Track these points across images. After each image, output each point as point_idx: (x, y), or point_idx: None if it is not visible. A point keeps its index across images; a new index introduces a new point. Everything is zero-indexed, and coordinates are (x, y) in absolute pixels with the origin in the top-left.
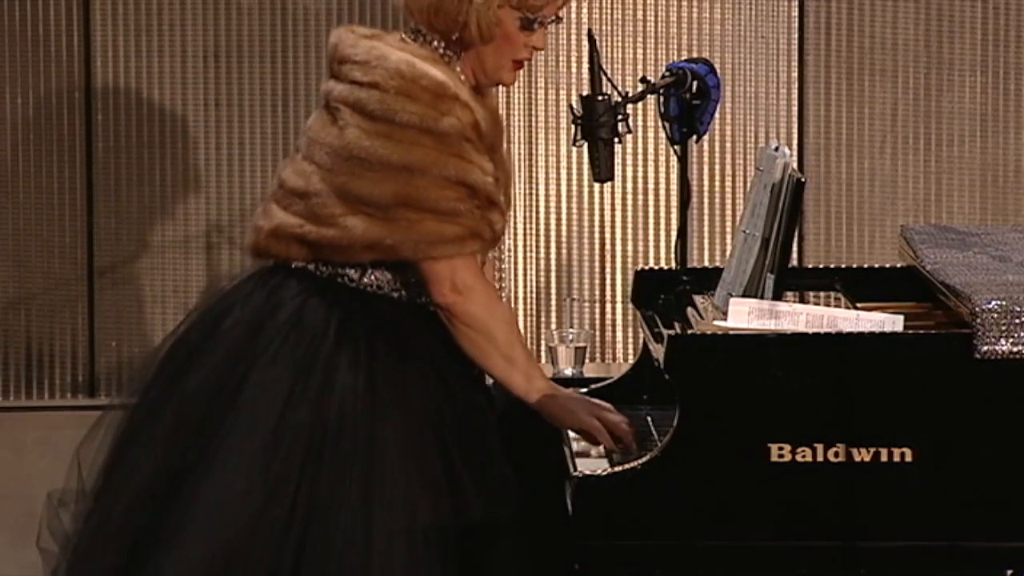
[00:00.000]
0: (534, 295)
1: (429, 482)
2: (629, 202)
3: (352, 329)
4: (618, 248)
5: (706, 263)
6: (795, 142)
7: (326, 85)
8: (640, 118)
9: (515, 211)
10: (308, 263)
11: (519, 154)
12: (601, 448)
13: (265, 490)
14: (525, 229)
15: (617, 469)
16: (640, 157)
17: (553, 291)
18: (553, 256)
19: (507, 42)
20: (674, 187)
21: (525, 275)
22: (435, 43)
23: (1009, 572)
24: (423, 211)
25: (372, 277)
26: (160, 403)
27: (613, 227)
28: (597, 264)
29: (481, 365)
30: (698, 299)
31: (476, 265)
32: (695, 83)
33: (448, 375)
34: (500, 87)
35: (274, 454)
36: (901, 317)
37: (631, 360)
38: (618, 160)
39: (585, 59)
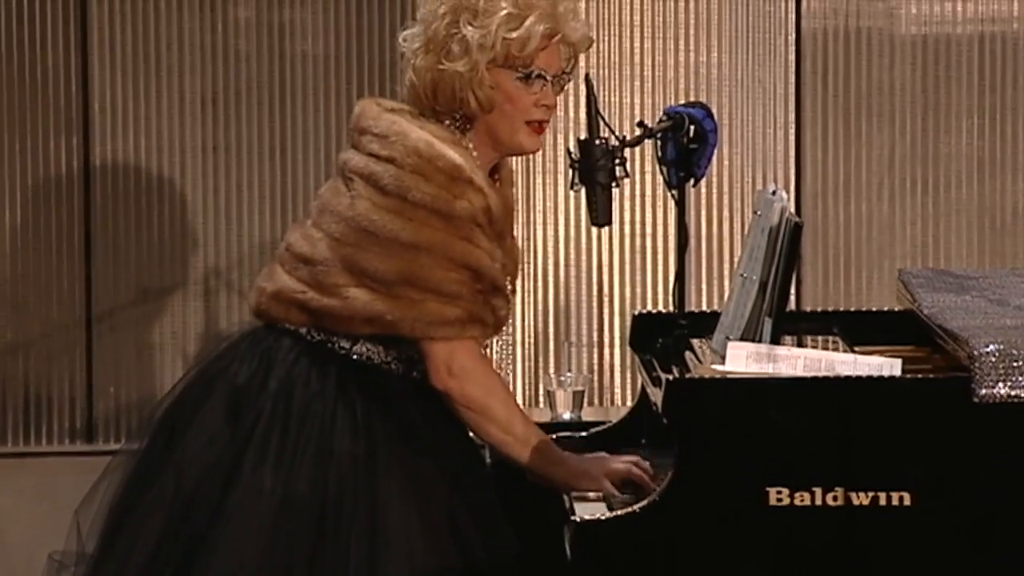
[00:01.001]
0: (532, 339)
1: (434, 546)
2: (627, 246)
3: (348, 395)
4: (616, 292)
5: (704, 307)
6: (792, 186)
7: (344, 154)
8: (638, 162)
9: None
10: (301, 327)
11: (518, 198)
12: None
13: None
14: (523, 273)
15: (615, 513)
16: (638, 201)
17: (551, 335)
18: (551, 300)
19: (511, 104)
20: (672, 231)
21: (523, 319)
22: (447, 121)
23: None
24: (426, 291)
25: (364, 348)
26: (157, 468)
27: (611, 271)
28: (595, 308)
29: (480, 438)
30: (696, 343)
31: (475, 349)
32: (692, 127)
33: (443, 437)
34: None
35: (278, 533)
36: (899, 361)
37: (629, 404)
38: (616, 204)
39: (583, 103)
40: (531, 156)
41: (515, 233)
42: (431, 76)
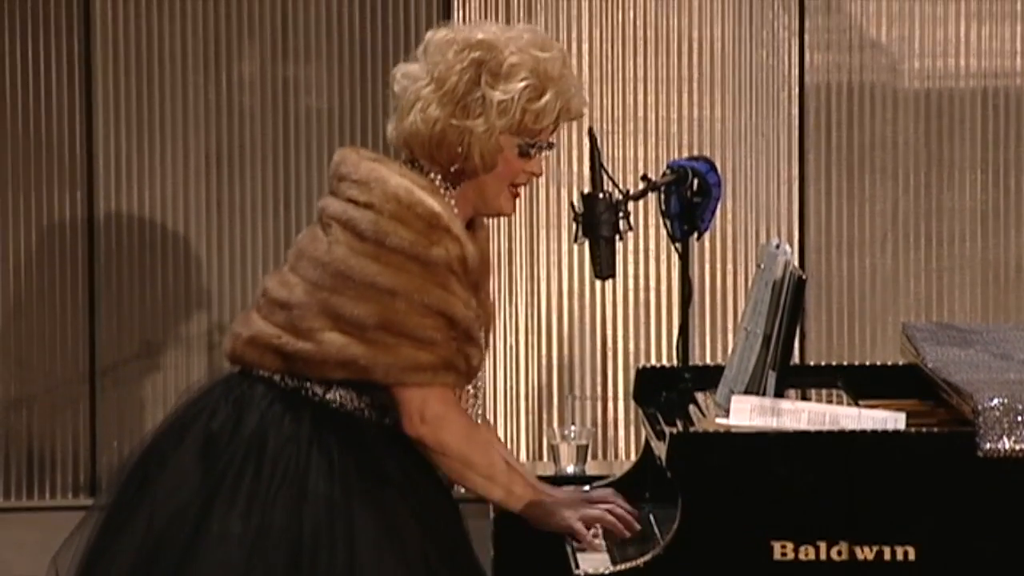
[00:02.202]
0: (536, 392)
1: None
2: (631, 299)
3: (323, 439)
4: (620, 345)
5: (708, 360)
6: (796, 239)
7: (322, 201)
8: (641, 215)
9: (517, 308)
10: (275, 374)
11: (521, 251)
12: (602, 543)
13: None
14: (527, 326)
15: (619, 568)
16: (641, 254)
17: (555, 388)
18: (555, 353)
19: (507, 169)
20: (675, 284)
21: (527, 372)
22: (432, 174)
23: None
24: (401, 336)
25: (337, 394)
26: (130, 513)
27: (615, 324)
28: (599, 361)
29: (461, 485)
30: (700, 396)
31: (449, 395)
32: (696, 181)
33: (417, 482)
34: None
35: (251, 573)
36: (903, 415)
37: (633, 457)
38: (619, 257)
39: (586, 157)
40: (535, 209)
41: (517, 287)
42: (441, 127)
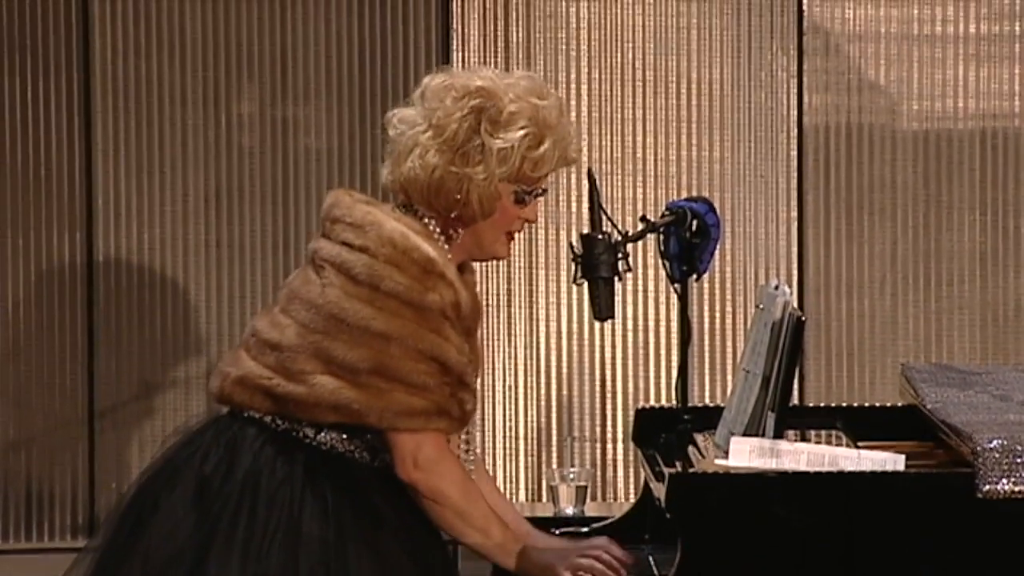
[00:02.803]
0: (535, 433)
1: None
2: (630, 340)
3: (316, 481)
4: (619, 386)
5: (707, 401)
6: (795, 280)
7: (314, 243)
8: (640, 256)
9: (516, 349)
10: (265, 415)
11: (520, 292)
12: None
13: None
14: (526, 367)
15: None
16: (640, 295)
17: (554, 429)
18: (554, 394)
19: (503, 215)
20: (674, 325)
21: (526, 413)
22: (427, 219)
23: None
24: (394, 381)
25: (328, 437)
26: (123, 558)
27: (614, 365)
28: (598, 402)
29: (451, 536)
30: (699, 437)
31: (442, 441)
32: (695, 222)
33: (409, 524)
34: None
35: None
36: (903, 456)
37: (632, 499)
38: (618, 298)
39: (585, 198)
40: (534, 250)
41: (516, 327)
42: (440, 174)
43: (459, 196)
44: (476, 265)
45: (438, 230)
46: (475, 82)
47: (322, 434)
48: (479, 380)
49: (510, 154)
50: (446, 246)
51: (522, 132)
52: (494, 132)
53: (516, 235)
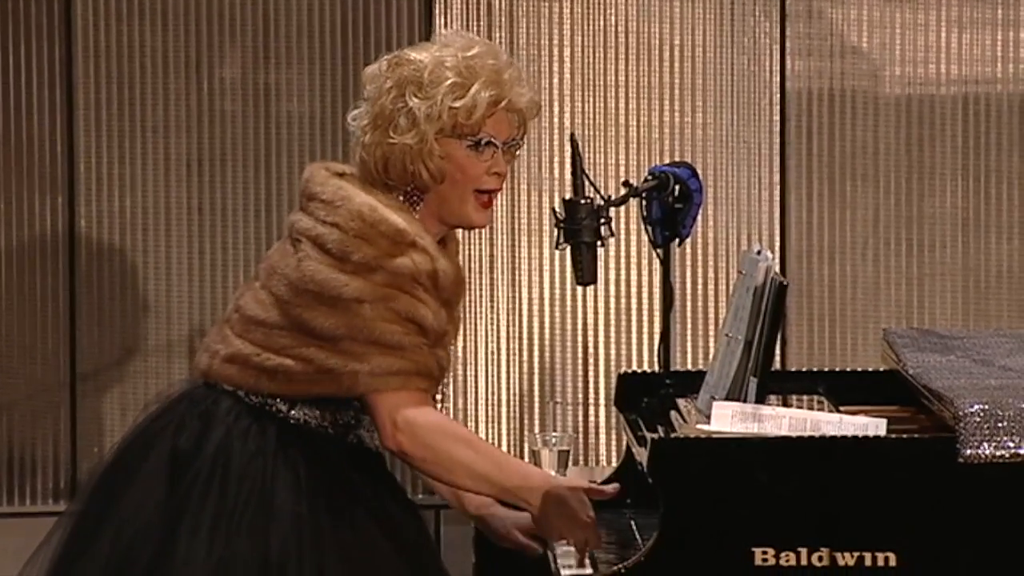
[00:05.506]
0: (517, 398)
1: None
2: (612, 305)
3: (289, 455)
4: (601, 351)
5: (689, 366)
6: (777, 246)
7: (292, 216)
8: (623, 221)
9: (498, 314)
10: (238, 389)
11: (502, 257)
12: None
13: None
14: (508, 332)
15: (602, 573)
16: (623, 260)
17: (536, 394)
18: (536, 359)
19: (463, 173)
20: (657, 290)
21: (508, 378)
22: (395, 193)
23: None
24: (368, 343)
25: (301, 412)
26: (95, 530)
27: (596, 330)
28: (580, 367)
29: (452, 485)
30: (681, 402)
31: (423, 400)
32: (677, 187)
33: (383, 498)
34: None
35: None
36: (884, 421)
37: (614, 464)
38: (601, 263)
39: (568, 163)
40: (516, 215)
41: (499, 292)
42: (381, 151)
43: (408, 167)
44: (459, 234)
45: (406, 201)
46: (407, 55)
47: (295, 409)
48: (460, 345)
49: (435, 109)
50: (417, 216)
51: (447, 84)
52: (419, 94)
53: (494, 198)
